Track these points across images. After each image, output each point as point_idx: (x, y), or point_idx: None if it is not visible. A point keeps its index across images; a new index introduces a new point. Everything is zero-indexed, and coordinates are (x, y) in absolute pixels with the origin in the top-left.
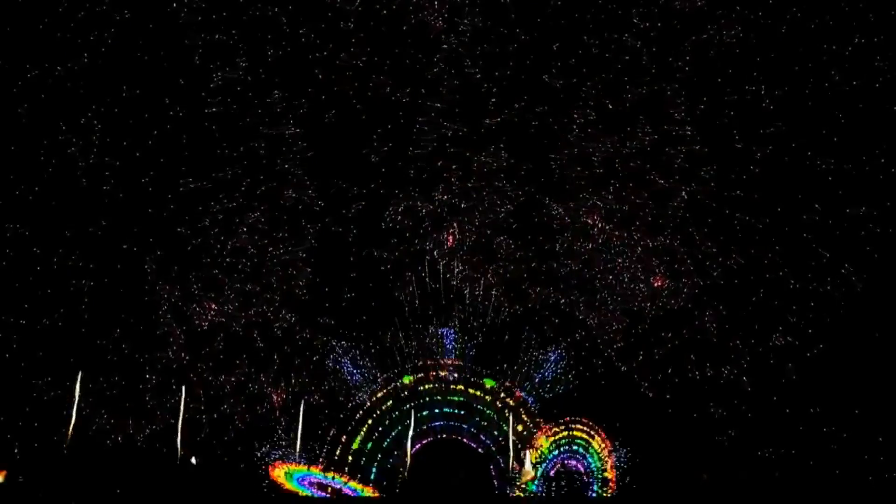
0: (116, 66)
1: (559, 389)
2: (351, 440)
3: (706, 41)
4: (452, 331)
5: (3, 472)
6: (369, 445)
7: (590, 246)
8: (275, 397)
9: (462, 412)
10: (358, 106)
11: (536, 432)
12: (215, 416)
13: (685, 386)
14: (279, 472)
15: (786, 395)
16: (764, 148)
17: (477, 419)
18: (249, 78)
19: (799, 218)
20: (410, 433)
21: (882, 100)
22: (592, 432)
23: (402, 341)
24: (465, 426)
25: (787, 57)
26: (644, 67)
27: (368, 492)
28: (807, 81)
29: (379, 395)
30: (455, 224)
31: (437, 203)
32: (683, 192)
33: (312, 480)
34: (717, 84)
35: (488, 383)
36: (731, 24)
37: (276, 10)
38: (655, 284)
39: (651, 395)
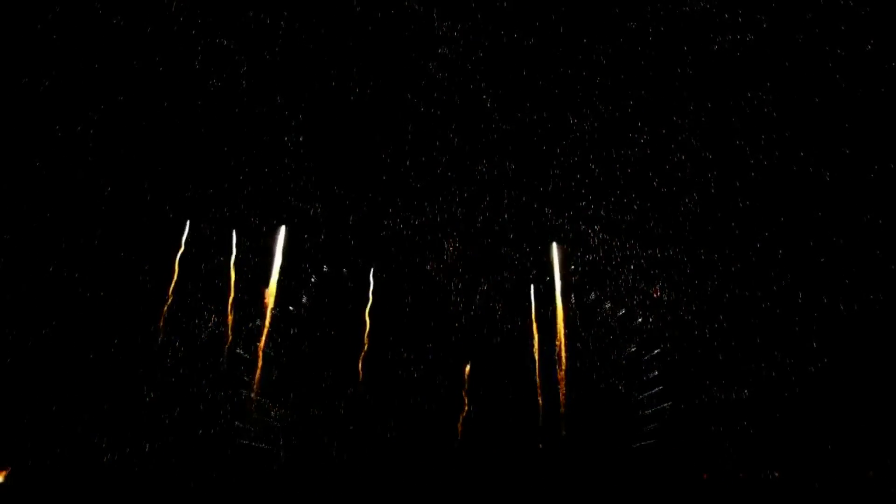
0: (113, 71)
1: None
2: None
3: (710, 46)
4: None
5: (3, 472)
6: None
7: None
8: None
9: None
10: (356, 113)
11: None
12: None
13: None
14: None
15: (788, 411)
16: (769, 156)
17: None
18: (245, 84)
19: (804, 227)
20: None
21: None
22: None
23: None
24: None
25: (793, 63)
26: (646, 73)
27: None
28: (813, 88)
29: None
30: (455, 233)
31: (436, 211)
32: (686, 201)
33: None
34: (722, 90)
35: None
36: (736, 29)
37: (275, 16)
38: (655, 295)
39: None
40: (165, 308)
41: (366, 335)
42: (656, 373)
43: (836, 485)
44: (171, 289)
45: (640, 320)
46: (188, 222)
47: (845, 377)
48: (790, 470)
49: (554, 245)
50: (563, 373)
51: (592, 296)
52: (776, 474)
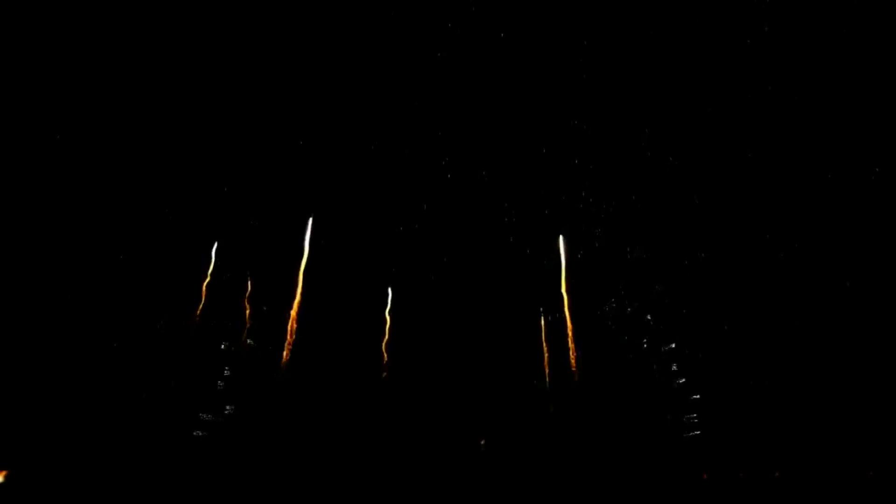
0: (110, 71)
1: None
2: None
3: (713, 47)
4: None
5: (4, 472)
6: None
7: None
8: None
9: None
10: (354, 115)
11: None
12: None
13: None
14: None
15: (789, 411)
16: (769, 155)
17: None
18: (243, 85)
19: (807, 229)
20: None
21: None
22: None
23: None
24: None
25: (794, 64)
26: (647, 73)
27: None
28: (814, 89)
29: None
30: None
31: (434, 215)
32: (686, 202)
33: None
34: (725, 92)
35: None
36: (738, 31)
37: (274, 19)
38: (656, 296)
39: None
40: (199, 307)
41: (384, 344)
42: (675, 368)
43: (836, 485)
44: (201, 297)
45: (646, 319)
46: (216, 244)
47: (845, 378)
48: (790, 470)
49: (561, 238)
50: (574, 366)
51: (598, 293)
52: (776, 474)
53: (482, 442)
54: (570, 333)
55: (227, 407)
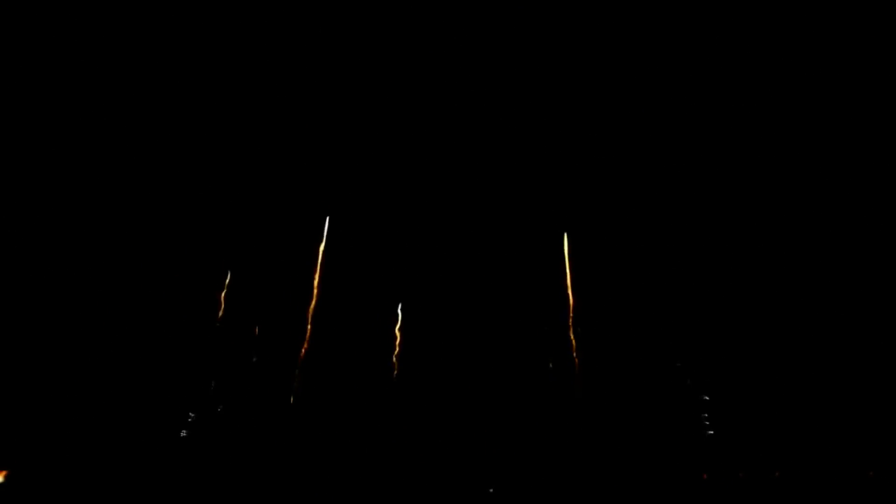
0: (108, 69)
1: None
2: None
3: (709, 43)
4: None
5: (4, 472)
6: None
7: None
8: None
9: None
10: (354, 115)
11: None
12: None
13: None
14: None
15: (788, 411)
16: (771, 156)
17: None
18: (240, 82)
19: (808, 227)
20: None
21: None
22: None
23: None
24: None
25: (796, 63)
26: (646, 71)
27: None
28: (815, 88)
29: None
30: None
31: (433, 214)
32: (685, 196)
33: None
34: (724, 87)
35: None
36: (741, 30)
37: (273, 18)
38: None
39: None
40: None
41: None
42: (679, 365)
43: (836, 485)
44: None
45: (645, 320)
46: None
47: (845, 377)
48: (790, 470)
49: (565, 236)
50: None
51: (601, 293)
52: (776, 474)
53: (490, 491)
54: (572, 339)
55: (219, 406)
